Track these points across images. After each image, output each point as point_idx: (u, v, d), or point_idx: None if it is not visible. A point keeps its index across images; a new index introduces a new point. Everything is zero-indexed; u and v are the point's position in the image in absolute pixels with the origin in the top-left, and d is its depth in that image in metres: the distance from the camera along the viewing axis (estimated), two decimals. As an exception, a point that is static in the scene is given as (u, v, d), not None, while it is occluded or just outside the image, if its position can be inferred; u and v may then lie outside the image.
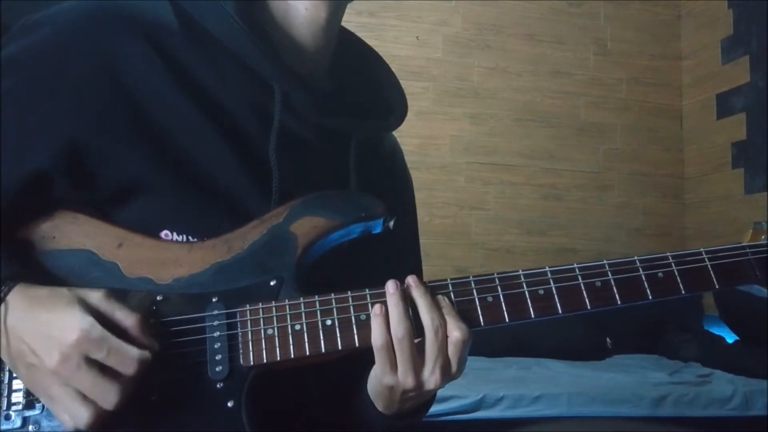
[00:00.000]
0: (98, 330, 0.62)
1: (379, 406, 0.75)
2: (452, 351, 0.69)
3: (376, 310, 0.68)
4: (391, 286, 0.69)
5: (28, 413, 0.66)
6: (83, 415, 0.62)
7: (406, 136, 3.32)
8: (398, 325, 0.68)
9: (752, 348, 2.82)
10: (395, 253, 0.87)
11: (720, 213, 3.58)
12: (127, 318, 0.64)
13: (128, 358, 0.62)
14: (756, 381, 2.52)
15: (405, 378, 0.68)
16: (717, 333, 3.15)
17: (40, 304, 0.64)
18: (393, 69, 0.91)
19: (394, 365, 0.69)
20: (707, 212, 3.68)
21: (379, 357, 0.69)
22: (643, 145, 3.84)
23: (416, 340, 0.69)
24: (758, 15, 3.35)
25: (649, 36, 3.90)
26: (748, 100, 3.42)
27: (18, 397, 0.66)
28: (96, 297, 0.65)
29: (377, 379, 0.72)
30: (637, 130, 3.83)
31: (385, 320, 0.68)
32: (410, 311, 0.69)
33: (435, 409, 0.84)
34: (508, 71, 3.70)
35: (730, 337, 3.12)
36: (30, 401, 0.66)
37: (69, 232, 0.70)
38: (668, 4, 3.95)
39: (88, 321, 0.62)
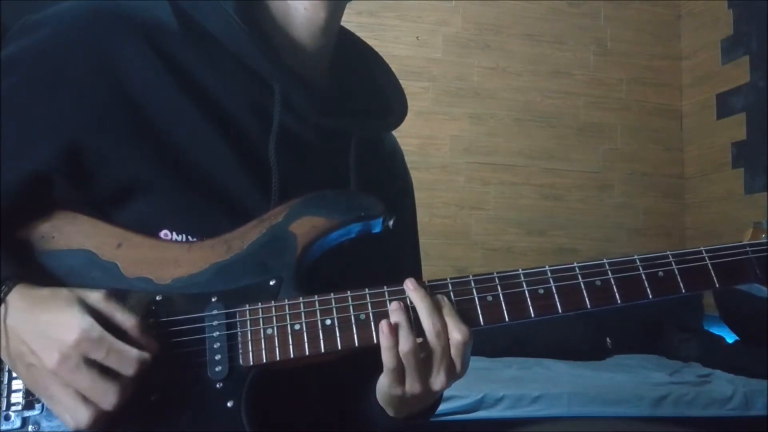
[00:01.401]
0: (98, 330, 0.62)
1: (390, 411, 0.76)
2: (454, 353, 0.69)
3: (384, 329, 0.68)
4: (394, 304, 0.69)
5: (27, 414, 0.66)
6: (83, 415, 0.61)
7: (406, 136, 3.32)
8: (405, 341, 0.68)
9: (752, 348, 2.82)
10: (395, 253, 0.87)
11: (720, 213, 3.58)
12: (127, 320, 0.64)
13: (128, 358, 0.62)
14: (756, 381, 2.52)
15: (412, 387, 0.69)
16: (717, 333, 3.15)
17: (40, 304, 0.64)
18: (393, 69, 0.91)
19: (402, 381, 0.69)
20: (707, 212, 3.68)
21: (390, 375, 0.69)
22: (643, 145, 3.83)
23: (418, 340, 0.69)
24: (758, 15, 3.35)
25: (649, 36, 3.90)
26: (748, 100, 3.42)
27: (17, 398, 0.66)
28: (96, 298, 0.65)
29: (385, 389, 0.72)
30: (637, 130, 3.83)
31: (395, 341, 0.68)
32: (411, 314, 0.69)
33: (435, 409, 0.84)
34: (508, 71, 3.70)
35: (730, 337, 3.12)
36: (29, 402, 0.66)
37: (68, 232, 0.70)
38: (668, 4, 3.94)
39: (87, 321, 0.62)
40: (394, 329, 0.68)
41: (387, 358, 0.68)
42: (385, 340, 0.68)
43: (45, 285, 0.66)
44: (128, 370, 0.62)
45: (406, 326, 0.68)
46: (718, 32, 3.65)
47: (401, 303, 0.69)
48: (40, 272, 0.68)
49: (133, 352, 0.63)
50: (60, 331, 0.62)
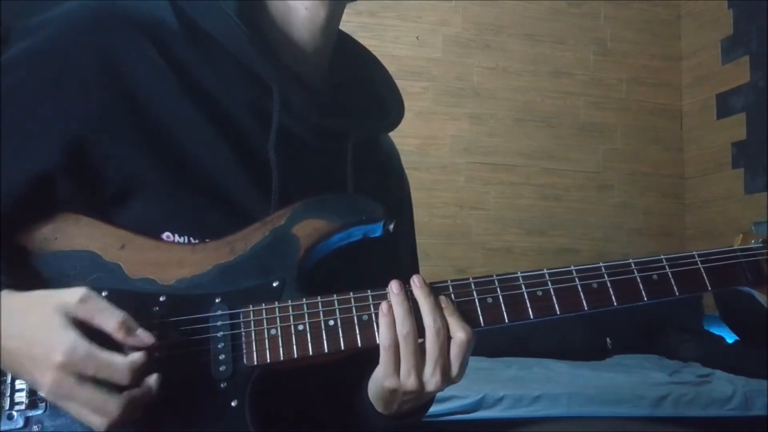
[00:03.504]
0: (83, 347, 0.60)
1: (379, 407, 0.76)
2: (455, 352, 0.69)
3: (383, 309, 0.69)
4: (395, 287, 0.70)
5: (31, 413, 0.66)
6: (97, 423, 0.61)
7: (406, 136, 3.33)
8: (403, 322, 0.68)
9: (752, 348, 2.83)
10: (393, 255, 0.87)
11: (720, 213, 3.58)
12: (107, 322, 0.63)
13: (119, 369, 0.61)
14: (756, 381, 2.52)
15: (407, 378, 0.69)
16: (717, 333, 3.15)
17: (19, 319, 0.62)
18: (393, 69, 0.92)
19: (397, 366, 0.69)
20: (707, 212, 3.68)
21: (385, 357, 0.69)
22: (643, 145, 3.84)
23: (419, 341, 0.69)
24: (758, 15, 3.35)
25: (649, 36, 3.91)
26: (748, 100, 3.42)
27: (21, 397, 0.66)
28: (72, 305, 0.62)
29: (379, 382, 0.72)
30: (637, 130, 3.84)
31: (392, 319, 0.69)
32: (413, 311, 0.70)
33: (435, 409, 0.84)
34: (508, 71, 3.71)
35: (730, 337, 3.12)
36: (33, 401, 0.66)
37: (71, 234, 0.71)
38: (668, 4, 3.95)
39: (70, 338, 0.60)
40: (392, 309, 0.69)
41: (384, 336, 0.69)
42: (383, 318, 0.69)
43: (47, 287, 0.66)
44: (122, 379, 0.61)
45: (406, 310, 0.69)
46: (718, 32, 3.65)
47: (403, 290, 0.70)
48: (41, 274, 0.68)
49: (121, 361, 0.61)
50: (45, 351, 0.60)
